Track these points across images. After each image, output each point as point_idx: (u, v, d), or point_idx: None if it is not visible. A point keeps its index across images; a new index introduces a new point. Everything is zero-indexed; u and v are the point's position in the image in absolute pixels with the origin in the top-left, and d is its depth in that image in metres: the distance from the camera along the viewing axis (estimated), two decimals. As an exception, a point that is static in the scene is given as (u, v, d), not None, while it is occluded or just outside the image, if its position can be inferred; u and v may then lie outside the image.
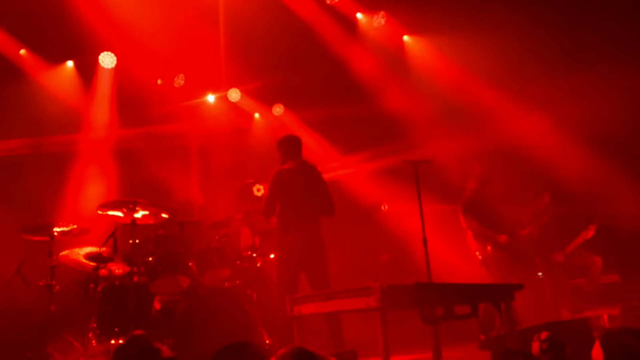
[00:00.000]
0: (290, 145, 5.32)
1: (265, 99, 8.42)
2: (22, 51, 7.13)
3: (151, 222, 5.18)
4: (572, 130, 6.67)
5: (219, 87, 8.23)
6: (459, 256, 6.18)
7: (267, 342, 5.00)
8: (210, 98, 8.34)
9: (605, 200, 6.42)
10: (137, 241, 4.95)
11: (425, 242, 4.65)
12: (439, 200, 6.29)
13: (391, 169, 6.78)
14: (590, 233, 6.41)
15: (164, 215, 5.14)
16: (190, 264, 5.11)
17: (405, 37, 7.96)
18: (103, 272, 4.99)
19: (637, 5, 6.30)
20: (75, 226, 5.05)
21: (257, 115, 8.70)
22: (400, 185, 6.08)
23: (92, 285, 4.86)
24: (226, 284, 5.22)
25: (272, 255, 5.40)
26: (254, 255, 5.42)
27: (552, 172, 6.69)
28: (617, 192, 6.47)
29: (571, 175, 6.59)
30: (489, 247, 5.92)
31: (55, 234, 4.96)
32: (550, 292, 6.31)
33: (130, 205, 4.89)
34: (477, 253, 5.98)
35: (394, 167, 6.27)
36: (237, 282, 5.25)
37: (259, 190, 6.97)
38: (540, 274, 6.49)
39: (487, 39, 6.74)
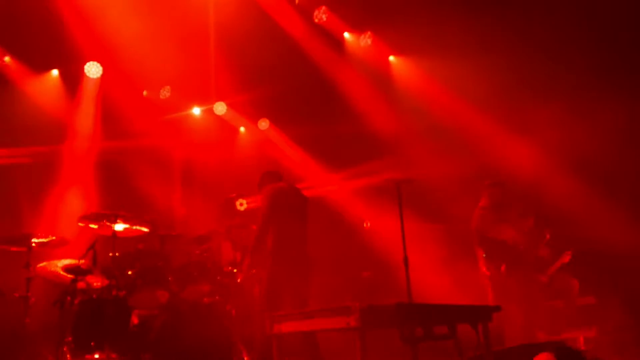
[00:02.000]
0: (272, 174, 5.36)
1: (251, 114, 8.45)
2: (7, 58, 7.07)
3: (132, 235, 5.13)
4: (554, 155, 6.79)
5: (205, 100, 8.25)
6: (439, 275, 6.22)
7: (246, 359, 4.96)
8: (196, 111, 8.35)
9: (584, 224, 6.53)
10: (116, 254, 4.89)
11: (406, 261, 4.68)
12: (421, 219, 6.34)
13: (374, 187, 6.82)
14: (566, 258, 6.54)
15: (145, 229, 5.09)
16: (169, 278, 5.05)
17: (391, 58, 8.06)
18: (81, 284, 4.90)
19: (621, 31, 6.46)
20: (54, 237, 4.99)
21: (242, 129, 8.72)
22: (383, 203, 6.13)
23: (69, 298, 4.77)
24: (205, 299, 5.17)
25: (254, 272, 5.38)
26: (235, 270, 5.39)
27: (535, 195, 6.79)
28: (595, 216, 6.59)
29: (552, 199, 6.70)
30: (503, 267, 5.96)
31: (33, 244, 4.89)
32: (526, 314, 6.37)
33: (112, 218, 4.85)
34: (486, 269, 6.01)
35: (377, 185, 6.32)
36: (217, 297, 5.21)
37: (241, 204, 6.96)
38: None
39: (473, 62, 6.85)
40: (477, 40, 6.82)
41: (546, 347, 4.20)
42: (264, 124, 8.55)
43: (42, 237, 4.93)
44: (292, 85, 7.45)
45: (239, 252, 5.61)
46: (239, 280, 5.42)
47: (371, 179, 7.02)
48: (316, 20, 7.57)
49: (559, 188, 6.72)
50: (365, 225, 7.53)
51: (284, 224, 5.00)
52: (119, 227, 4.92)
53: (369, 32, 7.77)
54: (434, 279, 6.18)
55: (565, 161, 6.69)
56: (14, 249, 4.95)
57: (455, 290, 6.02)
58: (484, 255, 6.08)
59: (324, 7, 7.52)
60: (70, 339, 4.58)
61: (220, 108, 8.31)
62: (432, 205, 6.65)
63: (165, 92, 7.92)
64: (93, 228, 4.97)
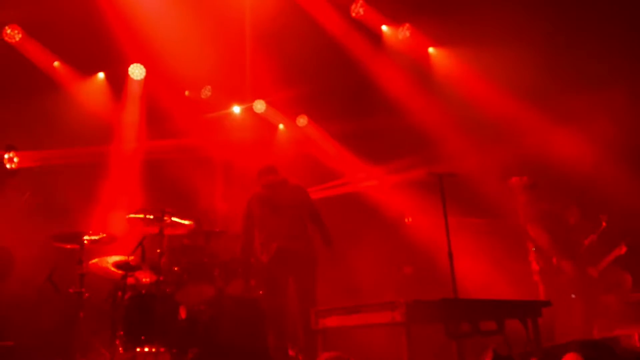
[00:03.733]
0: (262, 171, 5.59)
1: (290, 111, 8.50)
2: (56, 63, 7.34)
3: (178, 232, 5.26)
4: (603, 144, 6.55)
5: (245, 98, 8.35)
6: (485, 270, 6.11)
7: (291, 353, 5.01)
8: (236, 109, 8.46)
9: (637, 215, 6.28)
10: (164, 250, 5.02)
11: (450, 255, 4.62)
12: (465, 214, 6.24)
13: (416, 182, 6.75)
14: (622, 250, 6.31)
15: (190, 225, 5.21)
16: (215, 273, 5.16)
17: (431, 49, 7.94)
18: (130, 280, 5.07)
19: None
20: (104, 235, 5.16)
21: (281, 126, 8.78)
22: (425, 198, 6.07)
23: (119, 293, 4.94)
24: (250, 294, 5.26)
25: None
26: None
27: (584, 187, 6.58)
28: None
29: (603, 189, 6.48)
30: (554, 259, 5.84)
31: (85, 242, 5.08)
32: (582, 309, 6.19)
33: (159, 214, 4.98)
34: (537, 263, 5.90)
35: (419, 180, 6.25)
36: (261, 292, 5.28)
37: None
38: (571, 293, 6.37)
39: (513, 51, 6.68)
40: (518, 28, 6.63)
41: (594, 344, 4.07)
42: (302, 120, 8.59)
43: (93, 235, 5.10)
44: (331, 80, 7.44)
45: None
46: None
47: (412, 173, 6.95)
48: (353, 15, 7.54)
49: (610, 178, 6.48)
50: (407, 220, 7.47)
51: (267, 223, 5.28)
52: (166, 224, 5.04)
53: (407, 25, 7.68)
54: (479, 274, 6.07)
55: (617, 150, 6.44)
56: (67, 246, 5.15)
57: (502, 285, 5.90)
58: (534, 249, 5.95)
59: (360, 1, 7.47)
60: (121, 332, 4.74)
61: (259, 106, 8.40)
62: (475, 199, 6.52)
63: (206, 92, 8.06)
64: (141, 225, 5.11)
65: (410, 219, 7.45)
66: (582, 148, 6.74)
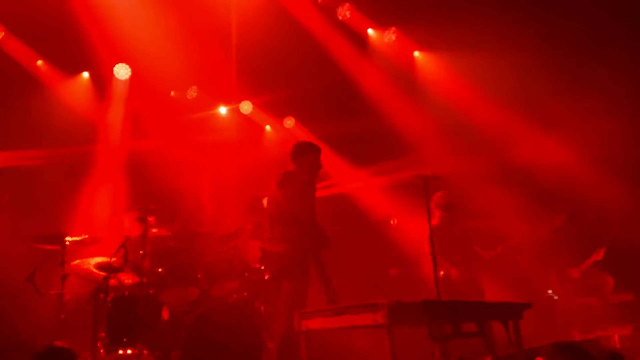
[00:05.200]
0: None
1: (277, 112, 8.50)
2: (39, 62, 7.26)
3: (162, 233, 5.23)
4: (585, 150, 6.64)
5: (232, 99, 8.33)
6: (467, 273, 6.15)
7: (275, 356, 5.00)
8: (222, 110, 8.43)
9: (617, 220, 6.38)
10: (147, 252, 4.99)
11: (434, 258, 4.64)
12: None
13: (401, 184, 6.78)
14: (600, 255, 6.40)
15: (175, 226, 5.18)
16: (199, 275, 5.13)
17: (416, 53, 7.99)
18: (113, 282, 5.02)
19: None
20: (86, 236, 5.11)
21: (268, 127, 8.77)
22: (411, 200, 6.10)
23: (102, 295, 4.89)
24: (234, 295, 5.24)
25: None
26: (262, 267, 5.44)
27: (565, 191, 6.67)
28: (630, 212, 6.43)
29: (584, 194, 6.56)
30: (442, 272, 5.83)
31: (67, 243, 5.02)
32: (562, 311, 6.26)
33: (143, 213, 4.95)
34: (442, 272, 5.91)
35: (404, 182, 6.28)
36: (245, 294, 5.26)
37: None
38: (553, 295, 6.44)
39: (499, 57, 6.74)
40: (503, 35, 6.69)
41: (568, 346, 4.10)
42: (289, 122, 8.58)
43: (75, 236, 5.05)
44: (317, 83, 7.45)
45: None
46: (266, 277, 5.46)
47: (397, 176, 6.98)
48: (340, 18, 7.55)
49: (591, 184, 6.57)
50: (392, 222, 7.50)
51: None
52: (150, 224, 5.01)
53: (393, 28, 7.71)
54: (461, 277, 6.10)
55: (598, 156, 6.53)
56: (48, 247, 5.09)
57: (490, 288, 5.94)
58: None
59: (347, 4, 7.49)
60: (103, 334, 4.69)
61: (246, 107, 8.38)
62: (459, 202, 6.57)
63: (192, 92, 8.02)
64: (124, 227, 5.08)
65: (395, 221, 7.48)
66: (565, 153, 6.82)
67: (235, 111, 8.41)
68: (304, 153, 4.83)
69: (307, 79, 7.43)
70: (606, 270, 6.46)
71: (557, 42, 6.60)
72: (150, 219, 4.99)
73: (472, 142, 7.14)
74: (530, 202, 6.73)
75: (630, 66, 6.35)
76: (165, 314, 4.94)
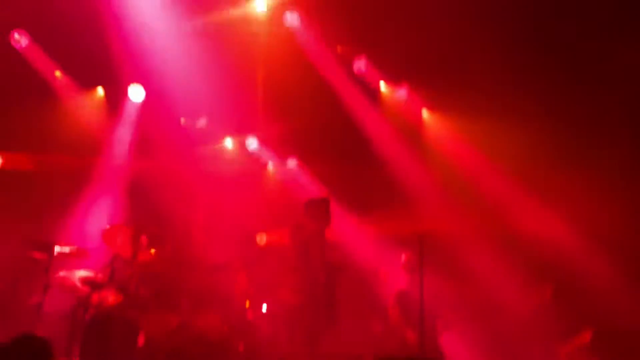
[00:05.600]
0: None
1: (281, 151, 8.59)
2: (57, 73, 7.38)
3: (151, 256, 5.19)
4: (580, 226, 6.67)
5: (238, 133, 8.43)
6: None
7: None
8: (229, 143, 8.52)
9: (606, 300, 6.34)
10: (134, 272, 4.94)
11: (421, 317, 4.58)
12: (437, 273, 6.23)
13: (396, 238, 6.77)
14: (586, 337, 6.31)
15: (165, 250, 5.15)
16: (182, 302, 5.06)
17: (424, 112, 8.14)
18: (95, 299, 4.95)
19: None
20: (75, 247, 5.07)
21: (270, 165, 8.85)
22: (401, 254, 6.11)
23: (81, 310, 4.81)
24: (214, 329, 5.14)
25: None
26: (248, 304, 5.37)
27: (557, 265, 6.66)
28: (620, 295, 6.40)
29: (575, 271, 6.55)
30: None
31: (55, 253, 4.97)
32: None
33: (137, 234, 4.93)
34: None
35: (399, 236, 6.29)
36: (226, 328, 5.17)
37: (261, 239, 6.99)
38: None
39: (508, 126, 6.82)
40: (515, 103, 6.80)
41: None
42: (292, 162, 8.66)
43: (64, 246, 5.01)
44: (325, 125, 7.57)
45: (253, 288, 5.59)
46: (249, 316, 5.39)
47: (392, 228, 6.98)
48: (355, 70, 7.74)
49: (584, 261, 6.57)
50: (382, 274, 7.43)
51: None
52: (141, 244, 4.98)
53: (405, 85, 7.89)
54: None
55: (595, 233, 6.56)
56: (36, 255, 5.03)
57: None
58: None
59: (364, 59, 7.68)
60: (77, 353, 4.58)
61: (252, 143, 8.49)
62: (448, 261, 6.56)
63: (201, 122, 8.13)
64: (116, 243, 5.04)
65: (385, 273, 7.42)
66: (558, 226, 6.86)
67: (241, 146, 8.51)
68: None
69: (315, 121, 7.55)
70: (593, 353, 6.35)
71: (564, 117, 6.71)
72: (143, 239, 4.96)
73: (470, 204, 7.18)
74: (521, 272, 6.71)
75: (633, 151, 6.46)
76: (141, 340, 4.84)
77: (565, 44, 6.41)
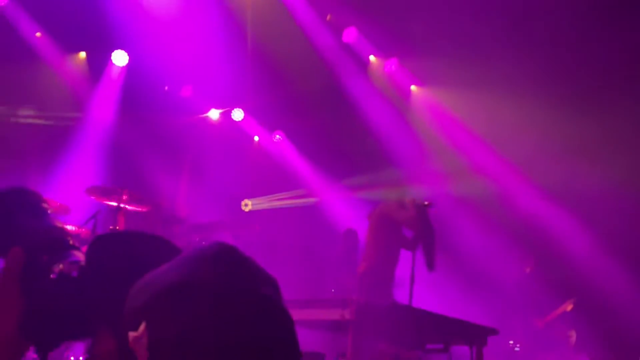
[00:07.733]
0: None
1: (268, 124, 8.53)
2: (38, 34, 7.19)
3: (136, 209, 5.09)
4: (568, 203, 6.67)
5: (225, 104, 8.32)
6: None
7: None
8: (214, 114, 8.41)
9: (591, 274, 6.38)
10: (117, 228, 4.85)
11: (412, 277, 4.54)
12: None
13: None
14: (569, 307, 6.36)
15: (147, 206, 5.07)
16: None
17: (413, 87, 8.11)
18: (78, 255, 4.83)
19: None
20: (58, 203, 4.94)
21: (256, 138, 8.79)
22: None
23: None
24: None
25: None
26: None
27: (539, 236, 6.70)
28: (605, 268, 6.45)
29: (559, 242, 6.60)
30: None
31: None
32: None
33: (118, 192, 4.83)
34: None
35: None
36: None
37: (246, 205, 6.93)
38: (515, 346, 6.33)
39: (499, 98, 6.71)
40: (507, 81, 6.60)
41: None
42: (278, 136, 8.65)
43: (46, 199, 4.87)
44: (312, 95, 7.51)
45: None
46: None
47: (380, 192, 6.94)
48: (344, 40, 7.68)
49: (569, 233, 6.60)
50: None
51: None
52: (124, 198, 4.89)
53: (394, 59, 7.84)
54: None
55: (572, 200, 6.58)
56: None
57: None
58: None
59: (354, 29, 7.62)
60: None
61: (238, 114, 8.40)
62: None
63: (186, 91, 8.01)
64: (99, 197, 4.94)
65: None
66: (534, 192, 6.88)
67: (227, 116, 8.42)
68: None
69: (301, 87, 7.48)
70: (573, 325, 6.40)
71: (555, 91, 6.52)
72: (125, 195, 4.86)
73: (457, 174, 7.17)
74: (505, 244, 6.74)
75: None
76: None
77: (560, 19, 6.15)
